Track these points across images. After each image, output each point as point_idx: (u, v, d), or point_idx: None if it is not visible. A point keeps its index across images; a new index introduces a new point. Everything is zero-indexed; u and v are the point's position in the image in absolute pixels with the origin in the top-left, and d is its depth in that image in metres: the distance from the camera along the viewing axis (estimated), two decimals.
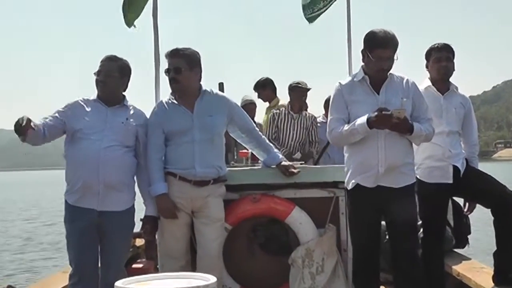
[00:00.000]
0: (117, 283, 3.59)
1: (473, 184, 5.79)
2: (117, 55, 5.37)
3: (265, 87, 9.28)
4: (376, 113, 4.93)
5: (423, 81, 5.80)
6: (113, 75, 5.26)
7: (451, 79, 5.89)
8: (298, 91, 8.36)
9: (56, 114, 5.24)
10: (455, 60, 5.83)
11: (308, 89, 8.49)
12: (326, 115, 8.42)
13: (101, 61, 5.29)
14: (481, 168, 5.99)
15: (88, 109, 5.27)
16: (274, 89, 9.37)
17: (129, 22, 7.57)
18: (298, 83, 8.37)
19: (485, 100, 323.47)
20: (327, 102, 8.71)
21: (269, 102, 9.32)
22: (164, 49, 6.00)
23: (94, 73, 5.28)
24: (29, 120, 4.78)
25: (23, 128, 4.75)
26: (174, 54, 5.37)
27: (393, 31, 5.10)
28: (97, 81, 5.28)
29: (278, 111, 8.39)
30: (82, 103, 5.31)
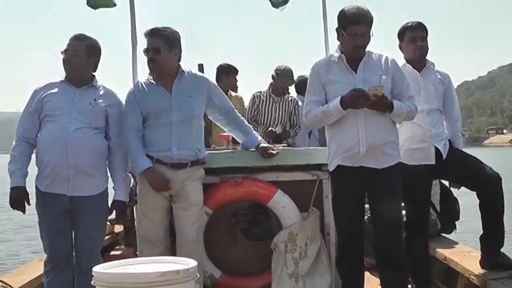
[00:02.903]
0: (95, 268, 3.53)
1: (456, 167, 5.67)
2: (86, 34, 5.22)
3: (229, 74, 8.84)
4: (350, 93, 4.82)
5: (399, 61, 5.63)
6: (79, 54, 5.11)
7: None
8: (283, 82, 8.16)
9: (30, 117, 5.13)
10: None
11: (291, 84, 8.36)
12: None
13: (69, 40, 5.16)
14: (472, 154, 5.86)
15: (54, 91, 5.12)
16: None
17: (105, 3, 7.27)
18: (287, 72, 8.11)
19: (479, 85, 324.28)
20: (298, 85, 8.60)
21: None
22: (141, 28, 5.85)
23: (62, 52, 5.14)
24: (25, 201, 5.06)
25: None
26: (153, 34, 5.23)
27: (368, 7, 4.99)
28: (63, 60, 5.14)
29: (259, 93, 8.22)
30: (48, 86, 5.17)
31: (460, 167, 5.66)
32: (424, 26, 5.68)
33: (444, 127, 5.75)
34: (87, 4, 7.15)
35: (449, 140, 5.72)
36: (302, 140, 8.39)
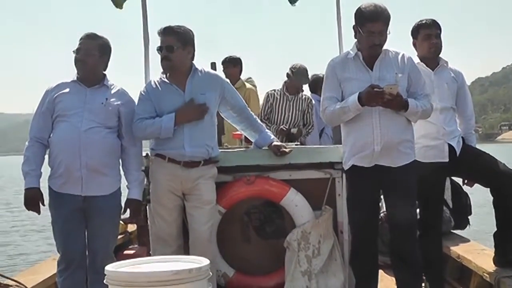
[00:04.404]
0: (108, 267, 3.53)
1: (470, 164, 5.68)
2: (97, 33, 5.23)
3: (236, 65, 8.91)
4: (367, 90, 4.79)
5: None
6: (93, 53, 5.12)
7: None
8: (299, 81, 8.13)
9: (42, 117, 5.15)
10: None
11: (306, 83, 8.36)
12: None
13: (80, 39, 5.15)
14: (484, 150, 5.85)
15: (66, 91, 5.12)
16: (241, 70, 8.99)
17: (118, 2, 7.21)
18: (302, 71, 8.10)
19: (494, 81, 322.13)
20: (311, 84, 8.58)
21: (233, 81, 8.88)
22: (152, 27, 5.86)
23: (74, 51, 5.14)
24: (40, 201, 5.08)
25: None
26: (167, 32, 5.24)
27: (385, 5, 4.97)
28: (76, 60, 5.14)
29: (273, 91, 8.20)
30: (59, 86, 5.18)
31: (473, 164, 5.66)
32: (438, 24, 5.67)
33: (457, 124, 5.73)
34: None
35: (462, 137, 5.70)
36: (313, 139, 8.37)
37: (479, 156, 5.72)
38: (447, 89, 5.63)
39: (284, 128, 7.96)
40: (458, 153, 5.59)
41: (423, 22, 5.67)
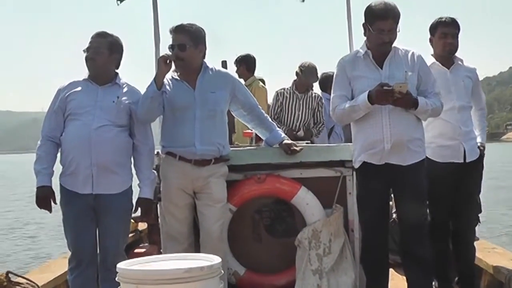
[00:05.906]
0: (120, 265, 3.53)
1: (460, 192, 5.75)
2: (108, 31, 5.23)
3: (240, 64, 8.99)
4: (376, 89, 4.78)
5: (426, 58, 5.52)
6: (102, 52, 5.13)
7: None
8: (308, 79, 8.14)
9: (54, 116, 5.16)
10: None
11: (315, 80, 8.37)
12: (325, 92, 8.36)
13: (91, 38, 5.17)
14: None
15: (78, 89, 5.14)
16: (249, 67, 9.03)
17: None
18: (311, 69, 8.11)
19: (501, 81, 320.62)
20: (321, 82, 8.57)
21: (244, 80, 8.75)
22: (163, 25, 5.84)
23: (84, 50, 5.16)
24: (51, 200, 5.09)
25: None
26: (178, 30, 5.24)
27: (395, 3, 4.96)
28: (86, 58, 5.15)
29: (282, 90, 8.19)
30: (71, 84, 5.19)
31: (459, 195, 5.73)
32: (457, 23, 5.65)
33: (473, 126, 5.72)
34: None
35: (480, 150, 5.72)
36: (322, 138, 8.35)
37: (468, 196, 5.83)
38: (463, 87, 5.62)
39: (295, 132, 7.95)
40: (468, 159, 5.58)
41: (442, 20, 5.65)
